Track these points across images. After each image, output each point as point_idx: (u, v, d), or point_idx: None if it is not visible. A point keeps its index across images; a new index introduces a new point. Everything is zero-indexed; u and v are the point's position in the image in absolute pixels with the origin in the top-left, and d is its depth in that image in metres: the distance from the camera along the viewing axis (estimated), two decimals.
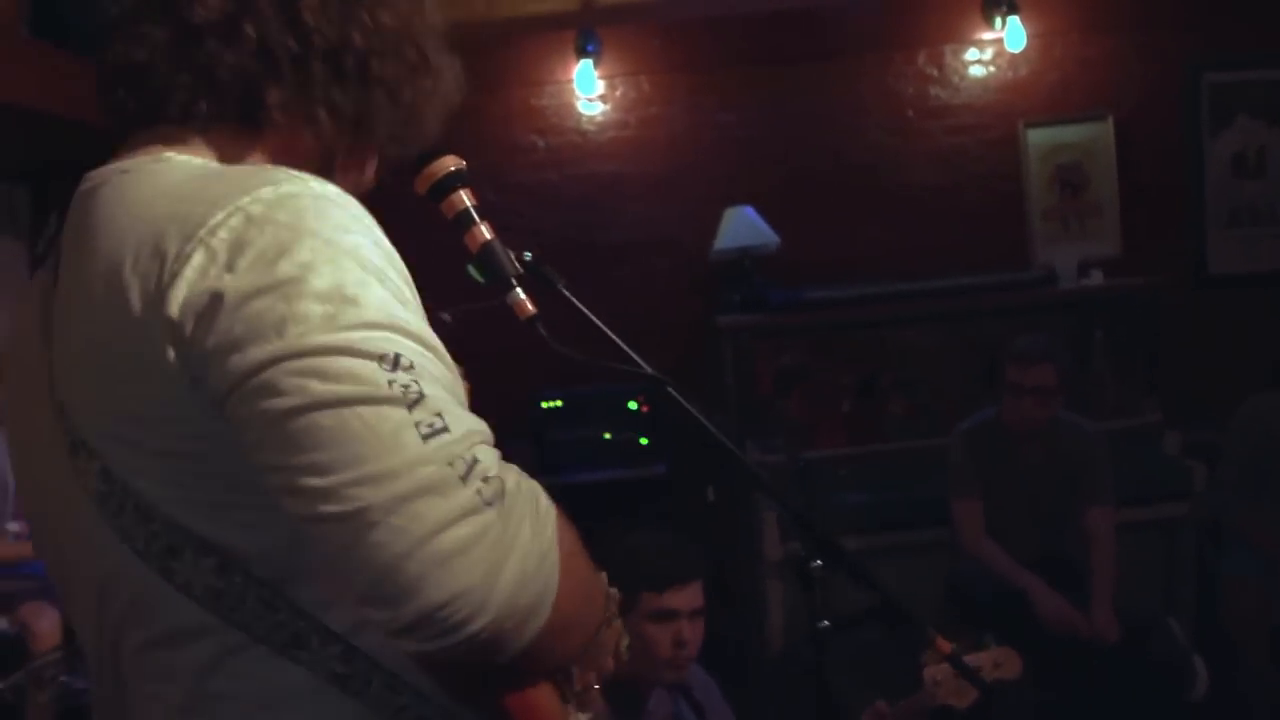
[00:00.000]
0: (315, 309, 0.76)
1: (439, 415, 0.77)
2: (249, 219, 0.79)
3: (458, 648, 0.77)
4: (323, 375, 0.75)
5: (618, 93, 4.42)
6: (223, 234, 0.79)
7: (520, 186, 4.42)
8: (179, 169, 0.89)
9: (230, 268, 0.78)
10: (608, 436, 4.02)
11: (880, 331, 4.17)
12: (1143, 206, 4.34)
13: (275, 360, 0.75)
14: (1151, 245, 4.27)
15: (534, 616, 0.80)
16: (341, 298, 0.77)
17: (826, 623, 1.44)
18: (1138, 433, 3.96)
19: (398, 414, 0.75)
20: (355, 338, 0.76)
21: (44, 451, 0.90)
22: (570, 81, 4.36)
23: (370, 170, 1.03)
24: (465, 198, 1.15)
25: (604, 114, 4.43)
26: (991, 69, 4.37)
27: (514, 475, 0.82)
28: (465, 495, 0.76)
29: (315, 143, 0.94)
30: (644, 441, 4.06)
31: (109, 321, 0.82)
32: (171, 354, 0.79)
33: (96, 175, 0.91)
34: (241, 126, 0.92)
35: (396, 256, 0.85)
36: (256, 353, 0.76)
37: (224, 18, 0.89)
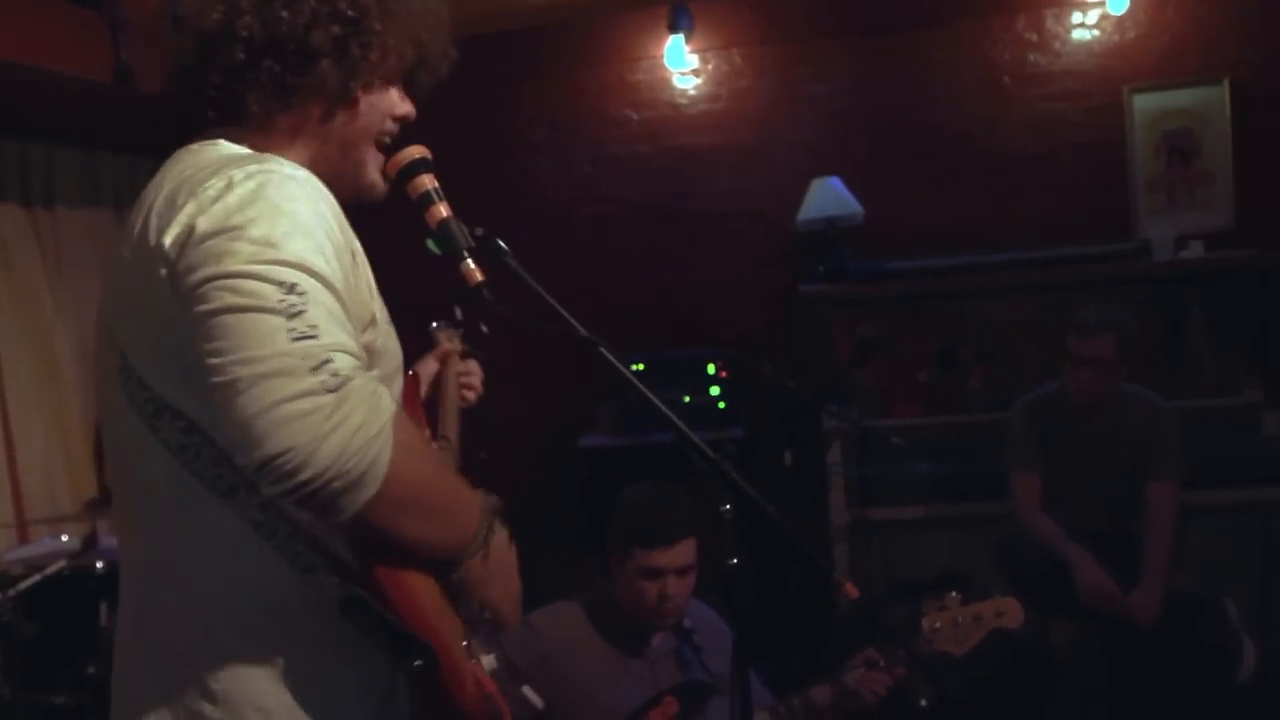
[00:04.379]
0: (246, 248, 1.06)
1: (313, 327, 1.05)
2: (230, 183, 1.11)
3: (294, 493, 1.02)
4: (235, 291, 1.05)
5: (710, 66, 4.52)
6: (210, 192, 1.11)
7: (615, 159, 4.61)
8: (218, 150, 1.21)
9: (206, 214, 1.09)
10: (687, 399, 4.16)
11: (961, 303, 4.13)
12: (1259, 174, 4.10)
13: (211, 279, 1.06)
14: (1267, 215, 4.05)
15: (362, 484, 1.04)
16: (266, 243, 1.07)
17: (735, 560, 1.56)
18: (1236, 413, 3.81)
19: (277, 321, 1.04)
20: (265, 269, 1.06)
21: (100, 347, 1.24)
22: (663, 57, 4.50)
23: (392, 102, 1.33)
24: (427, 181, 1.38)
25: (696, 87, 4.54)
26: (1096, 33, 4.22)
27: (364, 380, 1.07)
28: (310, 381, 1.02)
29: (302, 115, 1.26)
30: (722, 405, 4.20)
31: (136, 248, 1.15)
32: (164, 272, 1.11)
33: (179, 150, 1.23)
34: (263, 121, 1.25)
35: (333, 224, 1.14)
36: (203, 273, 1.07)
37: (237, 65, 1.23)
